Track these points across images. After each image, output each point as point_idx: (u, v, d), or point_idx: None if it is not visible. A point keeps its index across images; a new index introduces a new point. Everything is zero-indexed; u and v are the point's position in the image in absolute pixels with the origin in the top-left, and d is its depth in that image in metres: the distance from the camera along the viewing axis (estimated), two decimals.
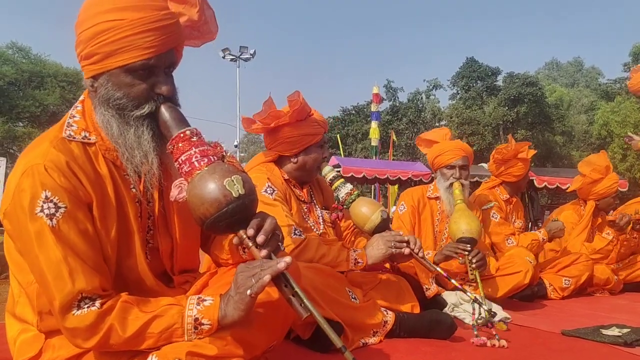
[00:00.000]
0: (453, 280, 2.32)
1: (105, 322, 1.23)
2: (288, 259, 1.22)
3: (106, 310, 1.24)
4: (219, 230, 1.29)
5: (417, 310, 2.42)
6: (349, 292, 2.17)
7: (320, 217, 2.54)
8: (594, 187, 4.20)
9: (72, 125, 1.36)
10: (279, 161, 2.51)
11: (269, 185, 2.30)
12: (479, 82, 33.25)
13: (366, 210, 2.36)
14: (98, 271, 1.27)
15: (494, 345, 2.21)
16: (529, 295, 3.47)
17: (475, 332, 2.28)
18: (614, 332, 2.46)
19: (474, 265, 2.67)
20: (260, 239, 1.26)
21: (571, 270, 3.75)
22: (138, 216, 1.42)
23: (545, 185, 13.09)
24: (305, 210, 2.50)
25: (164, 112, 1.33)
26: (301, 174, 2.50)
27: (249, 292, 1.22)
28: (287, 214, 2.27)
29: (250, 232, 1.26)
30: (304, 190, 2.55)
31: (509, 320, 2.71)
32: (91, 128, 1.37)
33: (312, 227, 2.46)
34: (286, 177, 2.47)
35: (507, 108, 30.25)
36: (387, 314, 2.24)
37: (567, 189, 4.74)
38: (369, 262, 2.26)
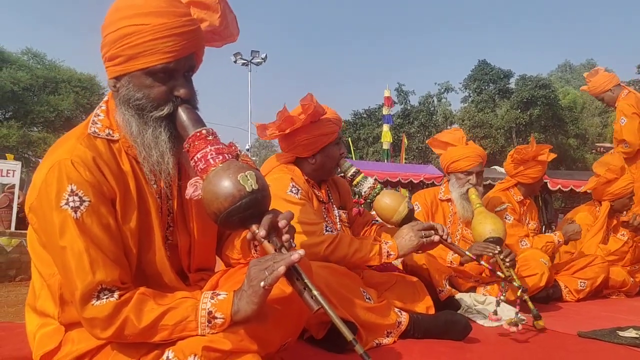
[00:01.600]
0: (483, 262, 2.29)
1: (122, 313, 1.26)
2: (301, 251, 1.25)
3: (123, 301, 1.27)
4: (232, 225, 1.31)
5: (431, 311, 2.41)
6: (363, 292, 2.17)
7: (338, 217, 2.55)
8: (608, 188, 4.15)
9: (96, 123, 1.42)
10: (297, 162, 2.51)
11: (293, 185, 2.30)
12: (491, 84, 33.07)
13: (392, 203, 2.36)
14: (118, 264, 1.31)
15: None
16: (544, 298, 3.43)
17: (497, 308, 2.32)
18: (632, 333, 2.43)
19: (507, 264, 2.66)
20: (272, 234, 1.28)
21: (587, 272, 3.70)
22: (159, 212, 1.46)
23: (559, 188, 12.97)
24: (324, 210, 2.50)
25: (182, 113, 1.38)
26: (320, 173, 2.51)
27: (262, 284, 1.23)
28: (314, 212, 2.29)
29: (263, 227, 1.28)
30: (322, 190, 2.56)
31: (523, 322, 2.67)
32: (114, 126, 1.43)
33: (330, 227, 2.46)
34: (306, 177, 2.48)
35: (519, 111, 30.04)
36: (401, 314, 2.23)
37: (581, 191, 4.69)
38: (400, 254, 2.23)
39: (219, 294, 1.33)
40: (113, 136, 1.41)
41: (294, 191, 2.29)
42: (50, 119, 25.29)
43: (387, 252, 2.24)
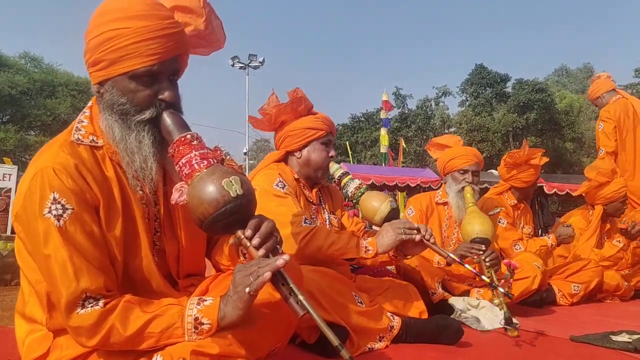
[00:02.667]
0: (467, 265, 2.24)
1: (107, 321, 1.26)
2: (286, 256, 1.24)
3: (109, 309, 1.27)
4: (217, 230, 1.31)
5: (424, 316, 2.42)
6: (355, 296, 2.17)
7: (328, 221, 2.56)
8: (600, 191, 4.16)
9: (80, 130, 1.42)
10: (287, 160, 2.56)
11: (280, 180, 2.34)
12: (488, 88, 33.13)
13: (375, 202, 2.39)
14: (103, 272, 1.30)
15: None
16: (537, 301, 3.43)
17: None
18: (624, 338, 2.42)
19: (487, 264, 2.67)
20: (257, 239, 1.27)
21: (580, 276, 3.70)
22: (145, 217, 1.45)
23: (555, 192, 13.02)
24: (314, 211, 2.52)
25: (166, 117, 1.37)
26: (307, 170, 2.53)
27: (247, 289, 1.23)
28: (298, 205, 2.31)
29: (248, 232, 1.28)
30: (313, 192, 2.58)
31: (518, 326, 2.68)
32: (98, 132, 1.42)
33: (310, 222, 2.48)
34: (296, 176, 2.51)
35: (516, 115, 30.09)
36: (394, 319, 2.23)
37: (575, 195, 4.73)
38: (379, 251, 2.21)
39: (205, 300, 1.33)
40: (97, 142, 1.41)
41: (280, 185, 2.33)
42: (48, 122, 25.31)
43: (365, 247, 2.22)
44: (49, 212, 1.26)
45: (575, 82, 44.74)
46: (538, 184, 12.38)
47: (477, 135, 30.19)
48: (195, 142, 1.33)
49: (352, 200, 2.54)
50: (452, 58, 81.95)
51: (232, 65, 27.39)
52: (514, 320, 2.60)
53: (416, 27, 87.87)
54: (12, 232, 8.33)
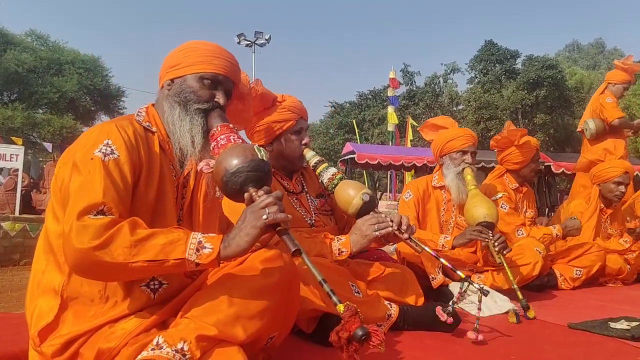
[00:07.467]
0: (442, 260, 2.24)
1: (117, 225, 1.36)
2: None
3: (119, 219, 1.39)
4: (236, 183, 1.46)
5: (421, 301, 2.43)
6: (352, 286, 2.18)
7: (312, 206, 2.55)
8: (592, 170, 4.16)
9: (141, 114, 1.70)
10: None
11: None
12: (497, 65, 32.65)
13: (347, 195, 2.28)
14: (124, 207, 1.45)
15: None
16: (539, 286, 3.44)
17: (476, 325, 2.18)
18: (623, 325, 2.42)
19: (497, 249, 2.67)
20: (270, 197, 1.43)
21: (582, 260, 3.69)
22: (174, 198, 1.64)
23: (563, 171, 12.92)
24: (295, 200, 2.51)
25: (214, 112, 1.68)
26: (282, 162, 2.52)
27: (264, 217, 1.37)
28: None
29: (261, 191, 1.46)
30: (293, 180, 2.56)
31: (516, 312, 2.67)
32: (153, 122, 1.69)
33: (304, 217, 2.48)
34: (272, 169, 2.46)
35: (526, 92, 29.69)
36: (391, 307, 2.24)
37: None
38: (353, 250, 2.20)
39: (211, 234, 1.44)
40: (151, 128, 1.66)
41: None
42: (55, 100, 25.33)
43: (339, 249, 2.20)
44: (99, 151, 1.46)
45: (587, 57, 44.02)
46: (545, 163, 12.27)
47: (486, 112, 29.86)
48: (235, 129, 1.64)
49: (326, 190, 2.44)
50: (462, 34, 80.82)
51: (239, 43, 27.21)
52: (507, 306, 2.59)
53: (424, 3, 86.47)
54: (21, 212, 8.42)
